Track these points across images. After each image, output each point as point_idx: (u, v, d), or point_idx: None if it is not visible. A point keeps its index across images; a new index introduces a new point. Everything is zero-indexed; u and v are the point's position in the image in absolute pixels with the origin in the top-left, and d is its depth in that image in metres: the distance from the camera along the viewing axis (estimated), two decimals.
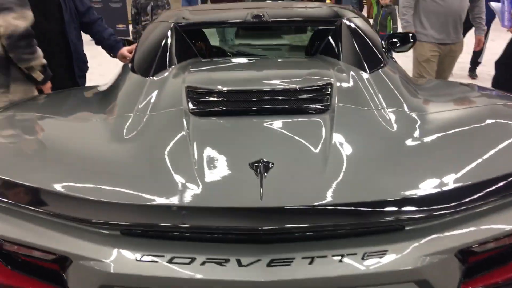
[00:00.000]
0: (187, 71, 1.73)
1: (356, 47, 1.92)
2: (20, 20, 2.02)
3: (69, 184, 1.13)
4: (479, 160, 1.17)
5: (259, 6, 2.28)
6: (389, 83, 1.69)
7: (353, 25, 2.03)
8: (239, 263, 0.99)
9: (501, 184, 1.08)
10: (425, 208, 1.02)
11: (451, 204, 1.03)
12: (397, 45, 2.75)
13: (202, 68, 1.88)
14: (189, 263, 1.00)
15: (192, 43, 2.16)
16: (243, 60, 2.15)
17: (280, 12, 2.25)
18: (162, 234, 1.05)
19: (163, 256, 1.01)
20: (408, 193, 1.05)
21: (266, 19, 2.12)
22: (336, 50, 2.00)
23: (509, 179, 1.09)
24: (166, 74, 1.76)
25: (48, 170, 1.22)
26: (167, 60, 1.88)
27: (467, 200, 1.04)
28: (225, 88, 1.54)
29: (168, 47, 1.94)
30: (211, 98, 1.50)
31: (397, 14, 4.62)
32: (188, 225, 1.02)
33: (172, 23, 2.05)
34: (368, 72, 1.72)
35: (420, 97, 1.69)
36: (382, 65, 1.82)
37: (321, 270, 0.99)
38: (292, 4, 2.44)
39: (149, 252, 1.02)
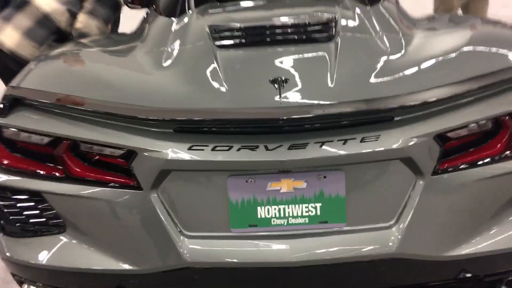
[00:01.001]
0: (206, 13, 2.00)
1: None
2: (96, 29, 2.69)
3: (133, 97, 1.43)
4: (454, 66, 1.45)
5: None
6: (386, 14, 1.95)
7: None
8: (266, 148, 1.29)
9: (470, 83, 1.35)
10: (408, 103, 1.31)
11: (428, 100, 1.31)
12: None
13: (220, 10, 2.14)
14: (228, 149, 1.30)
15: None
16: (256, 1, 2.41)
17: None
18: (206, 129, 1.35)
19: (207, 145, 1.31)
20: (395, 91, 1.33)
21: None
22: None
23: (478, 79, 1.36)
24: (189, 15, 2.03)
25: (114, 88, 1.51)
26: (187, 3, 2.15)
27: (439, 96, 1.32)
28: (242, 25, 1.81)
29: None
30: (230, 33, 1.77)
31: None
32: (225, 121, 1.33)
33: None
34: (369, 6, 1.98)
35: (414, 24, 1.97)
36: (381, 0, 2.08)
37: (328, 151, 1.29)
38: None
39: (196, 143, 1.32)
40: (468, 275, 1.44)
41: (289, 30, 1.78)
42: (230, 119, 1.31)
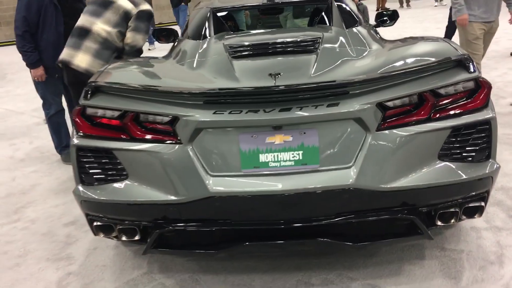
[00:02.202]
0: (223, 38, 2.76)
1: (339, 15, 2.97)
2: (141, 41, 3.62)
3: (176, 84, 2.14)
4: (394, 63, 2.14)
5: None
6: (358, 34, 2.70)
7: (337, 2, 3.12)
8: (264, 111, 1.97)
9: (401, 71, 2.03)
10: (356, 83, 1.99)
11: (370, 81, 1.99)
12: (387, 21, 3.83)
13: (234, 35, 2.91)
14: (239, 113, 1.98)
15: (223, 22, 3.22)
16: (261, 30, 3.18)
17: None
18: (225, 100, 2.03)
19: (226, 111, 1.99)
20: (350, 76, 2.02)
21: (277, 1, 3.19)
22: (327, 20, 3.06)
23: (407, 69, 2.04)
24: (211, 39, 2.79)
25: (162, 79, 2.25)
26: (209, 31, 2.93)
27: (378, 79, 2.00)
28: (250, 43, 2.55)
29: (208, 23, 2.99)
30: (241, 48, 2.50)
31: None
32: (238, 94, 2.01)
33: (210, 8, 3.11)
34: (345, 28, 2.74)
35: (380, 41, 2.69)
36: (356, 25, 2.90)
37: (305, 111, 1.96)
38: None
39: (218, 110, 2.00)
40: (408, 205, 2.07)
41: (285, 46, 2.52)
42: (241, 92, 2.01)
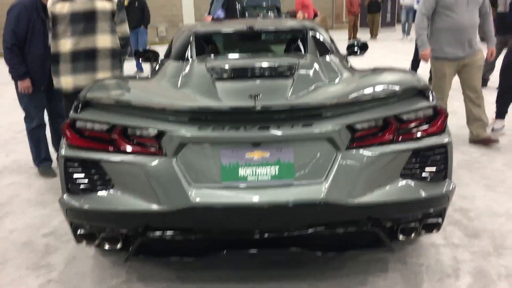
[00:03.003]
0: (205, 60, 2.96)
1: (314, 44, 3.21)
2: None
3: (160, 101, 2.30)
4: (361, 90, 2.36)
5: (251, 22, 3.57)
6: (331, 62, 2.94)
7: (312, 32, 3.38)
8: (245, 128, 2.15)
9: (367, 98, 2.26)
10: (328, 106, 2.20)
11: (340, 105, 2.21)
12: (356, 52, 4.11)
13: (215, 59, 3.10)
14: (222, 129, 2.15)
15: (205, 45, 3.44)
16: (241, 54, 3.38)
17: (266, 25, 3.58)
18: (208, 118, 2.20)
19: (209, 127, 2.16)
20: (323, 100, 2.23)
21: (256, 29, 3.41)
22: (302, 47, 3.30)
23: (373, 96, 2.27)
24: (193, 61, 2.99)
25: (151, 98, 2.40)
26: (191, 53, 3.13)
27: (347, 104, 2.22)
28: (232, 67, 2.75)
29: (191, 46, 3.19)
30: (224, 72, 2.70)
31: None
32: (220, 113, 2.19)
33: (193, 31, 3.33)
34: (319, 56, 2.97)
35: (350, 69, 2.93)
36: (329, 53, 3.14)
37: (282, 130, 2.15)
38: (275, 21, 3.79)
39: (202, 126, 2.17)
40: (373, 218, 2.26)
41: (264, 70, 2.73)
42: (224, 111, 2.19)
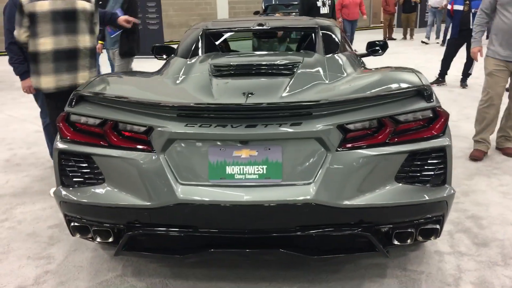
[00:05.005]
0: (210, 57, 2.94)
1: (322, 42, 3.14)
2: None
3: (154, 97, 2.31)
4: (359, 89, 2.30)
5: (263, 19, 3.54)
6: (337, 60, 2.87)
7: (323, 30, 3.33)
8: (232, 126, 2.11)
9: (362, 97, 2.19)
10: (318, 105, 2.13)
11: (331, 104, 2.14)
12: (378, 51, 4.05)
13: (221, 56, 3.08)
14: (209, 126, 2.13)
15: (214, 43, 3.41)
16: (250, 52, 3.36)
17: (278, 23, 3.54)
18: (195, 114, 2.18)
19: (196, 124, 2.14)
20: (315, 99, 2.18)
21: (267, 26, 3.39)
22: (311, 45, 3.25)
23: (369, 95, 2.19)
24: (198, 58, 2.98)
25: (143, 93, 2.40)
26: (198, 50, 3.12)
27: (339, 103, 2.15)
28: (234, 64, 2.72)
29: (199, 43, 3.18)
30: (224, 69, 2.67)
31: None
32: (209, 109, 2.17)
33: (202, 29, 3.31)
34: (325, 55, 2.91)
35: (357, 68, 2.85)
36: (337, 51, 3.08)
37: (269, 129, 2.11)
38: (286, 18, 3.74)
39: (190, 123, 2.15)
40: (365, 223, 2.19)
41: (265, 68, 2.70)
42: (211, 107, 2.17)
